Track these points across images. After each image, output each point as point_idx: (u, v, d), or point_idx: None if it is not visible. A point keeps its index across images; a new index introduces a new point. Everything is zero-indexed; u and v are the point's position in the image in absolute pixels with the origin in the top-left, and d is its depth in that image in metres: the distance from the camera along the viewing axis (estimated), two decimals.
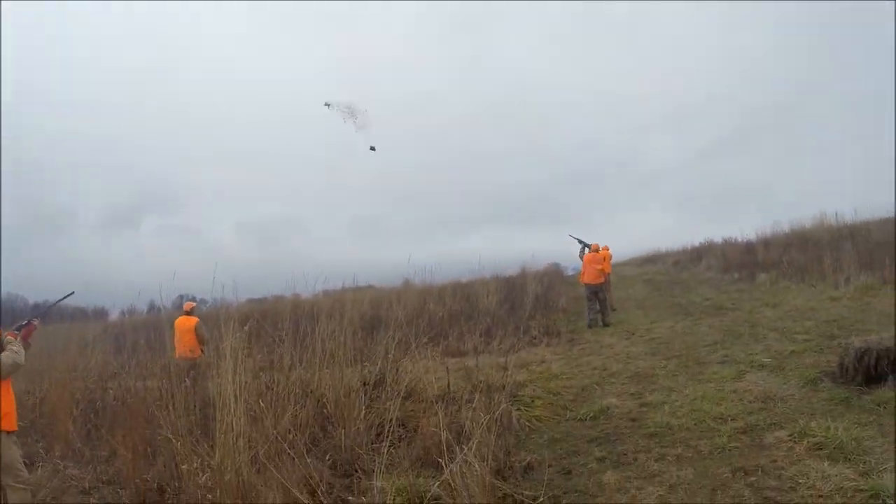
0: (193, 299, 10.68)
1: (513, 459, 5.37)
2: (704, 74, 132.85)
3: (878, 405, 5.63)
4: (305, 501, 4.09)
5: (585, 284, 13.67)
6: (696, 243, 29.08)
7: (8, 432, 5.03)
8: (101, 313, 21.44)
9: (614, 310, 14.11)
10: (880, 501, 3.91)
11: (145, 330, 12.45)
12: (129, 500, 5.12)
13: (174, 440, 5.16)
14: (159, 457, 5.52)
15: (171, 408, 5.81)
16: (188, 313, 10.19)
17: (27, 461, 6.57)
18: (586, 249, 14.37)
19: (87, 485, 5.57)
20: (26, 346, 5.34)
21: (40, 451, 6.81)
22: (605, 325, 13.06)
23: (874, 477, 4.23)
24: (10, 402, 5.09)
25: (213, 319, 9.33)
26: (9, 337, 5.20)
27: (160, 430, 5.92)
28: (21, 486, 5.11)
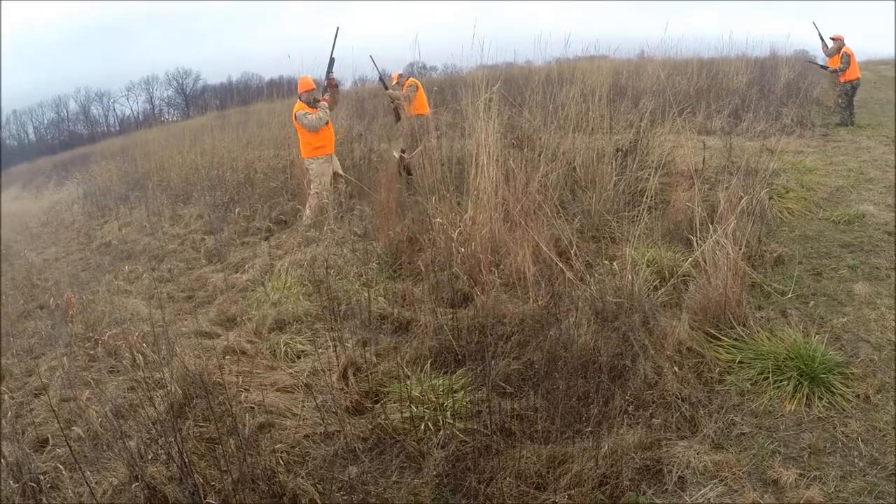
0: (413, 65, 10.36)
1: (763, 249, 5.10)
2: None
3: None
4: (556, 260, 4.18)
5: (849, 80, 11.62)
6: None
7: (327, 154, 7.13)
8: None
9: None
10: None
11: (380, 99, 12.90)
12: (382, 250, 5.53)
13: (428, 195, 5.45)
14: (408, 213, 5.87)
15: (424, 167, 6.13)
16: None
17: (282, 217, 7.70)
18: (830, 43, 12.01)
19: (341, 236, 6.04)
20: (333, 103, 7.30)
21: (291, 208, 7.72)
22: (851, 124, 11.42)
23: None
24: (330, 136, 7.18)
25: (450, 83, 9.35)
26: (322, 102, 6.97)
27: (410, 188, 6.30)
28: (315, 192, 7.05)
